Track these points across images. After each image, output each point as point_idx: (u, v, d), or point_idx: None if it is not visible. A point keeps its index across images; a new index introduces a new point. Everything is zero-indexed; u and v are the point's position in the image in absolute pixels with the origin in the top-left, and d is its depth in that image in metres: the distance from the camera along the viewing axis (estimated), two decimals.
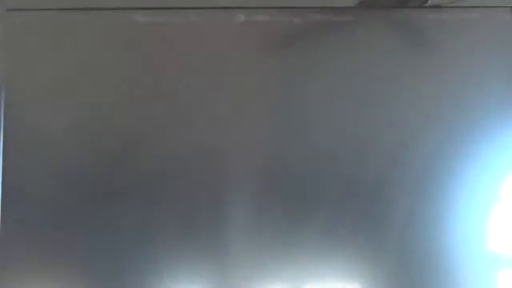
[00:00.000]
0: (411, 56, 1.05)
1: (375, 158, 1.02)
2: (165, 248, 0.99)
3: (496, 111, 1.03)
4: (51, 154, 1.01)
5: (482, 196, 1.02)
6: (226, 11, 1.05)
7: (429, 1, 1.07)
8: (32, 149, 1.01)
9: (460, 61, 1.04)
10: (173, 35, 1.04)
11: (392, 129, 1.03)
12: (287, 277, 1.00)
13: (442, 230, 1.01)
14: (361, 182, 1.02)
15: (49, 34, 1.04)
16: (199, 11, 1.05)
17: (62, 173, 1.01)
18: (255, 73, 1.04)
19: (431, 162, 1.02)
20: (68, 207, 1.00)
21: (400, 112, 1.03)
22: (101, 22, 1.04)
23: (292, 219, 1.01)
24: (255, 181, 1.01)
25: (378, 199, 1.01)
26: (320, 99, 1.03)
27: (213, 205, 1.01)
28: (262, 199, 1.01)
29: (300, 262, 1.00)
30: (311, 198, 1.01)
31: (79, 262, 0.99)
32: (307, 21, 1.05)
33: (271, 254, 1.00)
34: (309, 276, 1.00)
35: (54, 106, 1.02)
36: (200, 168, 1.02)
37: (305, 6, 1.05)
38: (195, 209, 1.00)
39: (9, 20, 1.03)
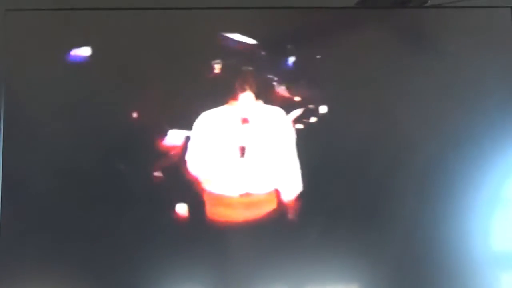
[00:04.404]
0: (411, 56, 1.05)
1: (377, 160, 1.02)
2: (166, 248, 0.99)
3: (497, 111, 1.03)
4: (51, 153, 1.01)
5: (484, 197, 1.02)
6: (226, 9, 1.05)
7: (429, 1, 1.07)
8: (32, 147, 1.01)
9: (461, 61, 1.04)
10: (169, 31, 1.05)
11: (393, 129, 1.03)
12: (288, 278, 1.00)
13: (444, 231, 1.01)
14: (364, 184, 1.02)
15: (48, 34, 1.04)
16: (201, 11, 1.05)
17: (62, 173, 1.01)
18: (253, 72, 1.05)
19: (434, 163, 1.02)
20: (68, 205, 1.00)
21: (400, 112, 1.03)
22: (101, 21, 1.04)
23: (293, 220, 1.01)
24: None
25: (380, 201, 1.01)
26: (320, 99, 1.03)
27: (213, 205, 1.01)
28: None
29: (301, 263, 1.00)
30: (312, 199, 1.01)
31: (77, 262, 1.00)
32: (307, 20, 1.05)
33: (271, 256, 1.00)
34: (310, 277, 1.00)
35: (53, 104, 1.02)
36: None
37: (305, 6, 1.05)
38: (195, 210, 1.01)
39: (9, 20, 1.03)
